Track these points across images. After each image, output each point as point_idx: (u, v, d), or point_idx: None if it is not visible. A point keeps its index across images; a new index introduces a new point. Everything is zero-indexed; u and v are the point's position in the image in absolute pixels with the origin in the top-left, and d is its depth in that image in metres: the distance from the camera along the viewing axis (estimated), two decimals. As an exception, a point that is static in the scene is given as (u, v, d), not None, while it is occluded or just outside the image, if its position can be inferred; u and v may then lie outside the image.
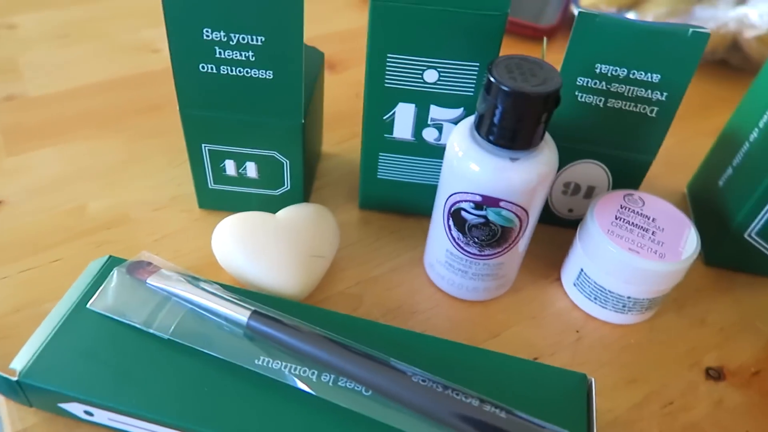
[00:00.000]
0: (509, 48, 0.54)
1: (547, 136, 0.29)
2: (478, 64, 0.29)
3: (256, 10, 0.27)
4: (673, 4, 0.50)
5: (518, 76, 0.25)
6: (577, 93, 0.32)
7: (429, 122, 0.32)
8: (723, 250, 0.36)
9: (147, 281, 0.28)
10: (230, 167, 0.34)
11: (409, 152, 0.34)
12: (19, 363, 0.25)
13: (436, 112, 0.32)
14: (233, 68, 0.29)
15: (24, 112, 0.43)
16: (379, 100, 0.32)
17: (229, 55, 0.29)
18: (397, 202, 0.37)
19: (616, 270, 0.31)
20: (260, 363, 0.26)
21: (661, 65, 0.30)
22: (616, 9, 0.53)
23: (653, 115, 0.32)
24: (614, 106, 0.32)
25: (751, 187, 0.33)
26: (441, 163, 0.30)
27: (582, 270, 0.33)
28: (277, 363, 0.26)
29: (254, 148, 0.33)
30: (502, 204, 0.28)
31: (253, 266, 0.30)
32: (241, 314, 0.27)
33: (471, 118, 0.29)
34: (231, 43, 0.28)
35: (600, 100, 0.32)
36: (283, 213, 0.33)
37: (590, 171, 0.35)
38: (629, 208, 0.32)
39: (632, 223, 0.31)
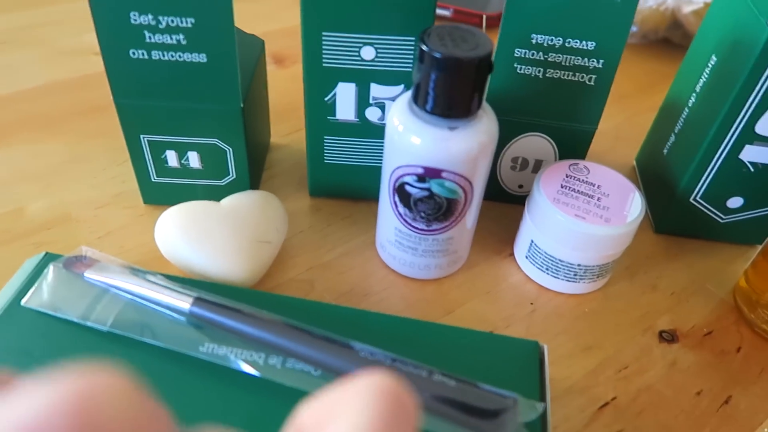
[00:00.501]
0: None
1: (486, 105, 0.29)
2: (413, 38, 0.29)
3: (181, -11, 0.27)
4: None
5: (449, 43, 0.25)
6: (515, 65, 0.32)
7: (371, 101, 0.32)
8: (671, 216, 0.36)
9: (84, 274, 0.27)
10: (172, 158, 0.33)
11: (354, 134, 0.34)
12: (-52, 365, 0.24)
13: (376, 90, 0.31)
14: (165, 53, 0.29)
15: (-40, 119, 0.42)
16: (318, 81, 0.31)
17: (159, 40, 0.28)
18: (347, 187, 0.37)
19: (565, 237, 0.31)
20: (205, 350, 0.25)
21: (595, 32, 0.30)
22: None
23: (592, 83, 0.32)
24: (553, 77, 0.32)
25: (693, 151, 0.34)
26: (383, 140, 0.30)
27: (532, 241, 0.33)
28: (223, 348, 0.25)
29: (195, 137, 0.32)
30: (444, 175, 0.28)
31: (197, 255, 0.29)
32: (183, 301, 0.26)
33: (409, 93, 0.29)
34: (160, 26, 0.28)
35: (539, 71, 0.32)
36: (227, 200, 0.32)
37: (536, 144, 0.35)
38: (575, 177, 0.32)
39: (578, 190, 0.32)
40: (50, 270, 0.27)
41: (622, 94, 0.49)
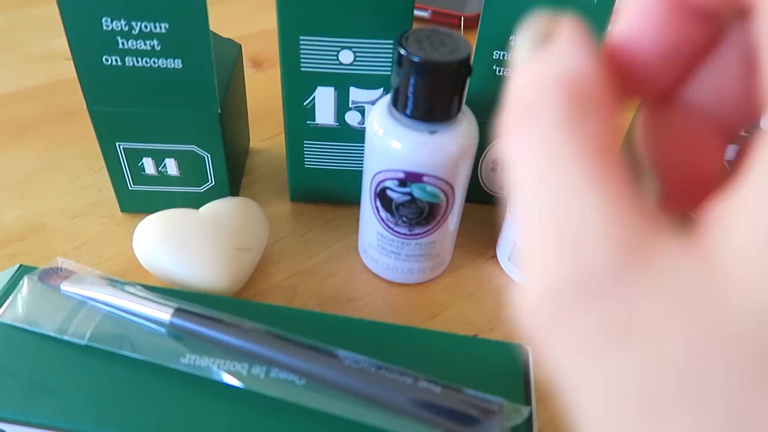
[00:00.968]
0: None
1: (466, 108, 0.28)
2: (391, 41, 0.29)
3: (155, -6, 0.26)
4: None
5: (428, 46, 0.25)
6: (494, 67, 0.32)
7: (350, 105, 0.32)
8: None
9: (60, 287, 0.27)
10: (149, 166, 0.33)
11: (334, 138, 0.33)
12: None
13: (356, 94, 0.31)
14: (139, 59, 0.28)
15: (-73, 128, 0.41)
16: (297, 86, 0.31)
17: (132, 45, 0.28)
18: (327, 192, 0.36)
19: (546, 239, 0.31)
20: (186, 361, 0.25)
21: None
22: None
23: (570, 84, 0.32)
24: (532, 78, 0.32)
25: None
26: (364, 144, 0.30)
27: (515, 244, 0.33)
28: (205, 360, 0.25)
29: (172, 143, 0.32)
30: (425, 179, 0.27)
31: (176, 263, 0.29)
32: (164, 312, 0.25)
33: (388, 97, 0.28)
34: (133, 32, 0.27)
35: (518, 73, 0.32)
36: (206, 208, 0.31)
37: (516, 146, 0.35)
38: (555, 178, 0.32)
39: (558, 192, 0.32)
40: (25, 283, 0.27)
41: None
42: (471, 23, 0.55)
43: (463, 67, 0.25)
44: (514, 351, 0.27)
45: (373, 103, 0.32)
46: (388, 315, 0.32)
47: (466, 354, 0.27)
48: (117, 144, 0.31)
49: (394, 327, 0.28)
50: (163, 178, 0.33)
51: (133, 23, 0.27)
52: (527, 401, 0.25)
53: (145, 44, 0.28)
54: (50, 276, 0.27)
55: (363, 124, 0.33)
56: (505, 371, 0.26)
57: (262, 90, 0.43)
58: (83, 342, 0.25)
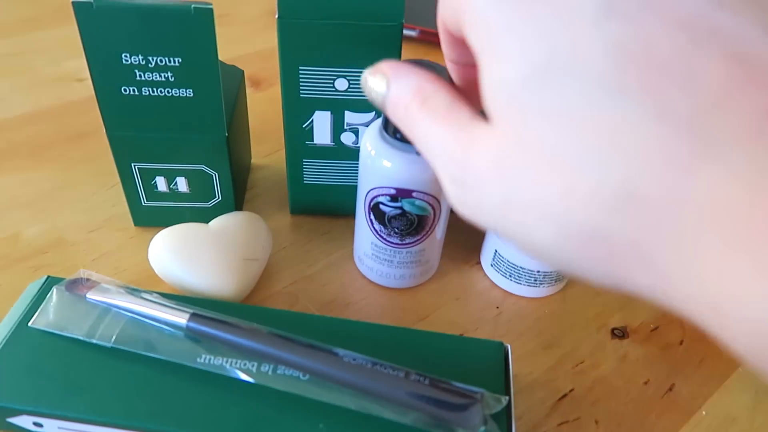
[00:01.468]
0: (427, 56, 0.57)
1: (450, 130, 0.32)
2: (383, 70, 0.32)
3: (170, 34, 0.29)
4: None
5: (415, 78, 0.28)
6: (476, 91, 0.35)
7: (345, 127, 0.35)
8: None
9: (86, 296, 0.29)
10: (161, 184, 0.36)
11: (331, 157, 0.37)
12: (-36, 384, 0.26)
13: (350, 117, 0.34)
14: (154, 89, 0.31)
15: (-51, 149, 0.43)
16: (296, 110, 0.34)
17: (149, 77, 0.31)
18: (325, 205, 0.40)
19: (524, 247, 0.34)
20: (202, 360, 0.28)
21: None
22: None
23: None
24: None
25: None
26: (358, 163, 0.33)
27: (496, 251, 0.36)
28: (218, 359, 0.28)
29: (183, 164, 0.35)
30: (414, 195, 0.31)
31: (189, 274, 0.32)
32: (180, 317, 0.28)
33: (380, 120, 0.32)
34: (150, 65, 0.30)
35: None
36: (214, 222, 0.34)
37: (497, 161, 0.38)
38: (532, 191, 0.36)
39: (535, 203, 0.35)
40: (54, 292, 0.30)
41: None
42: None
43: (446, 97, 0.28)
44: (495, 348, 0.30)
45: (366, 124, 0.35)
46: (382, 317, 0.35)
47: (452, 351, 0.30)
48: (132, 164, 0.34)
49: (388, 328, 0.31)
50: (174, 194, 0.36)
51: (150, 57, 0.30)
52: (506, 392, 0.28)
53: (160, 76, 0.31)
54: (76, 286, 0.30)
55: (357, 143, 0.36)
56: (487, 366, 0.29)
57: (262, 109, 0.47)
58: (110, 344, 0.28)
